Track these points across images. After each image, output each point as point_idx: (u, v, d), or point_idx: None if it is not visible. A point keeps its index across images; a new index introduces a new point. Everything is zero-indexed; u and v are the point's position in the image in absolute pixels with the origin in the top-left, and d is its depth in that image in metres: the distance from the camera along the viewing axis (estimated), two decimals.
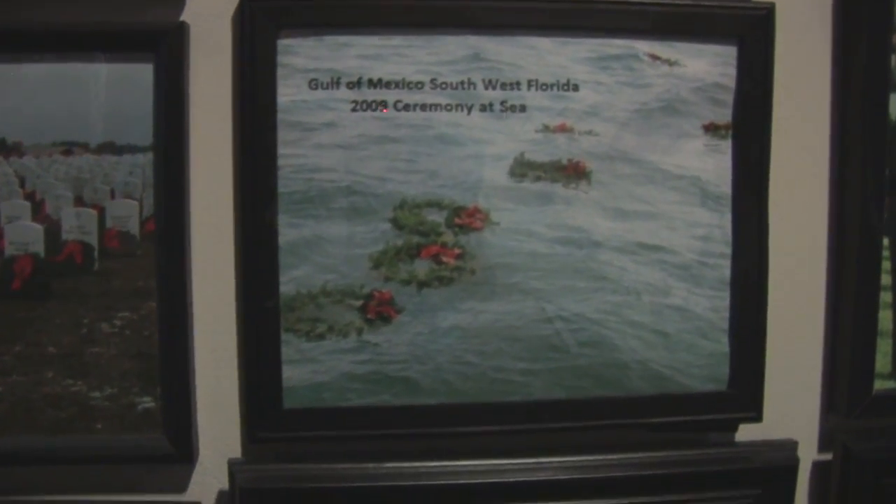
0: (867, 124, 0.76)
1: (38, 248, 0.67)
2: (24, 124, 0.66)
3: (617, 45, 0.70)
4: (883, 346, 0.78)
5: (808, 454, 0.80)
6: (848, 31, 0.76)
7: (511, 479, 0.71)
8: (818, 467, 0.80)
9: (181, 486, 0.71)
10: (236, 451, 0.71)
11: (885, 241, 0.78)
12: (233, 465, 0.69)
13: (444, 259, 0.70)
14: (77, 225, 0.67)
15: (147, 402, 0.69)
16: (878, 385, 0.79)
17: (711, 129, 0.73)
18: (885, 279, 0.78)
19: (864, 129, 0.76)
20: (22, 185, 0.66)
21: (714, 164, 0.73)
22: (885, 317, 0.78)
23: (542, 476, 0.71)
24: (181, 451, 0.69)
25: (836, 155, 0.78)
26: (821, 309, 0.79)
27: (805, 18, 0.76)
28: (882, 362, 0.79)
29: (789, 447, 0.76)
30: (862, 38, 0.75)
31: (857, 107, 0.76)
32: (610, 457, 0.72)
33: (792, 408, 0.78)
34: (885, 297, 0.78)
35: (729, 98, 0.73)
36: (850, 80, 0.77)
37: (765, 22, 0.72)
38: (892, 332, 0.79)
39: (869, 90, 0.76)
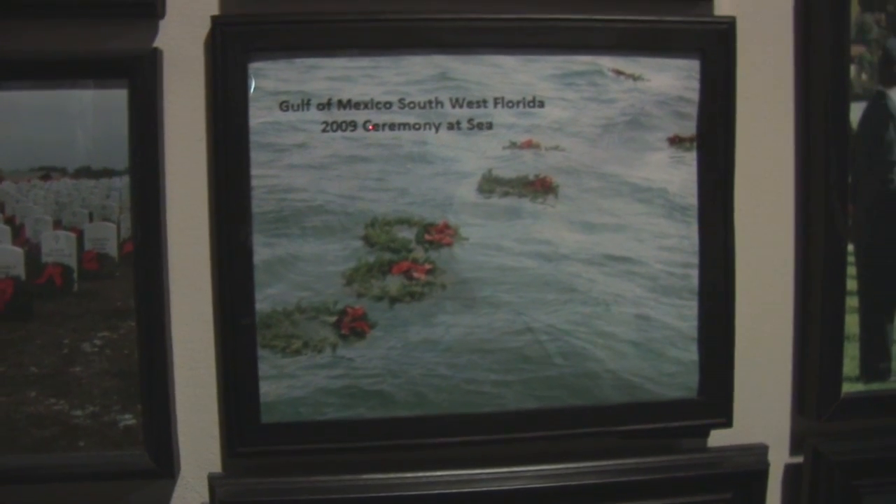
0: (829, 133, 0.79)
1: (19, 271, 0.70)
2: (2, 151, 0.68)
3: (581, 61, 0.73)
4: (850, 350, 0.81)
5: (780, 457, 0.83)
6: (808, 43, 0.79)
7: (486, 489, 0.73)
8: (790, 470, 0.83)
9: (163, 501, 0.74)
10: (216, 466, 0.74)
11: (851, 248, 0.81)
12: (213, 480, 0.72)
13: (416, 274, 0.72)
14: (56, 248, 0.70)
15: (128, 420, 0.71)
16: (847, 388, 0.82)
17: (676, 141, 0.76)
18: (851, 284, 0.81)
19: (826, 139, 0.79)
20: (1, 209, 0.69)
21: (679, 175, 0.76)
22: (851, 321, 0.81)
23: (516, 485, 0.74)
24: (162, 466, 0.71)
25: (800, 164, 0.81)
26: (789, 314, 0.82)
27: (767, 31, 0.79)
28: (850, 366, 0.82)
29: (759, 451, 0.79)
30: (822, 49, 0.78)
31: (819, 116, 0.79)
32: (583, 465, 0.75)
33: (762, 412, 0.81)
34: (852, 302, 0.81)
35: (693, 111, 0.75)
36: (811, 90, 0.80)
37: (726, 36, 0.75)
38: (858, 336, 0.82)
39: (830, 100, 0.79)
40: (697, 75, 0.75)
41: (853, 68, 0.80)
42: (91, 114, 0.69)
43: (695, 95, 0.75)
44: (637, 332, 0.75)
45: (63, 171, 0.69)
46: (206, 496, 0.73)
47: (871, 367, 0.82)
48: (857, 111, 0.80)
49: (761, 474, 0.78)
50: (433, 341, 0.73)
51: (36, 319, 0.70)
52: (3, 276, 0.70)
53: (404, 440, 0.73)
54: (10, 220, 0.69)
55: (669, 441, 0.78)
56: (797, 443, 0.83)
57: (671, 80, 0.75)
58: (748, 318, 0.79)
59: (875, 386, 0.82)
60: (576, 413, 0.75)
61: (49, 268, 0.70)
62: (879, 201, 0.81)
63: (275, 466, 0.73)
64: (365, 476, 0.73)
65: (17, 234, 0.69)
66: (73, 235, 0.70)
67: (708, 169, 0.76)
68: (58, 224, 0.70)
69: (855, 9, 0.79)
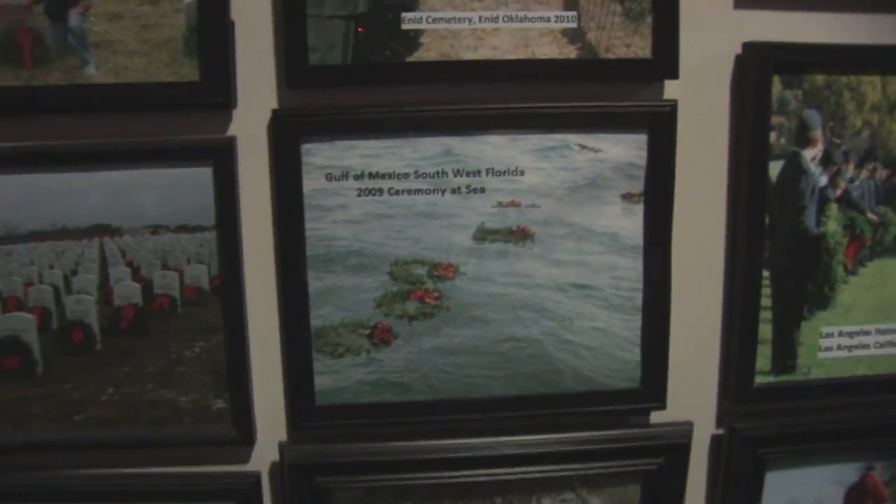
0: (752, 186, 1.04)
1: (138, 299, 0.99)
2: (123, 214, 0.97)
3: (553, 138, 0.99)
4: (763, 351, 1.09)
5: (707, 431, 1.12)
6: (738, 115, 1.04)
7: (479, 454, 1.04)
8: (714, 440, 1.13)
9: (245, 460, 1.05)
10: (283, 436, 1.05)
11: (766, 273, 1.07)
12: (281, 446, 1.03)
13: (427, 300, 1.01)
14: (164, 283, 0.99)
15: (219, 404, 1.02)
16: (760, 379, 1.10)
17: (627, 197, 1.02)
18: (766, 302, 1.08)
19: (749, 190, 1.05)
20: (123, 256, 0.98)
21: (629, 223, 1.02)
22: (765, 329, 1.09)
23: (502, 451, 1.05)
24: (244, 436, 1.03)
25: (729, 209, 1.07)
26: (717, 324, 1.10)
27: (706, 107, 1.03)
28: (763, 363, 1.10)
29: (686, 427, 1.08)
30: (748, 120, 1.03)
31: (744, 172, 1.05)
32: (550, 436, 1.05)
33: (693, 398, 1.10)
34: (766, 315, 1.08)
35: (641, 174, 1.01)
36: (739, 152, 1.05)
37: (669, 116, 1.00)
38: (771, 340, 1.09)
39: (753, 159, 1.04)
40: (645, 146, 1.01)
41: (774, 134, 1.04)
42: (187, 185, 0.97)
43: (643, 162, 1.01)
44: (593, 339, 1.04)
45: (167, 228, 0.98)
46: (276, 457, 1.04)
47: (780, 363, 1.11)
48: (776, 168, 1.05)
49: (686, 445, 1.08)
50: (440, 347, 1.02)
51: (152, 334, 1.00)
52: (126, 303, 0.99)
53: (419, 417, 1.04)
54: (129, 264, 0.98)
55: (619, 419, 1.08)
56: (720, 420, 1.12)
57: (624, 150, 1.00)
58: (682, 327, 1.07)
59: (783, 378, 1.11)
60: (546, 399, 1.04)
61: (160, 297, 0.99)
62: (791, 238, 1.07)
63: (326, 437, 1.04)
64: (391, 443, 1.04)
65: (136, 274, 0.99)
66: (175, 274, 0.99)
67: (651, 218, 1.02)
68: (164, 265, 0.98)
69: (777, 87, 1.03)
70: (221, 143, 0.96)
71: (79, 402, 1.02)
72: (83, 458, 1.04)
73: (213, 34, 0.94)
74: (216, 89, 0.94)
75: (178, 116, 0.96)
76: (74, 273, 0.99)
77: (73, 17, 0.94)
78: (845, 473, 1.17)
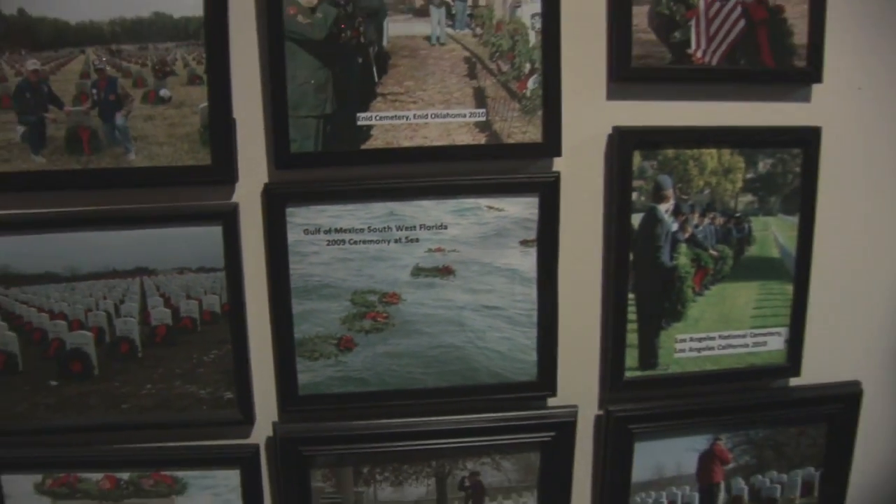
0: (619, 231, 1.43)
1: (169, 321, 1.38)
2: (157, 259, 1.35)
3: (469, 202, 1.38)
4: (631, 353, 1.49)
5: (591, 412, 1.52)
6: (609, 181, 1.42)
7: (418, 430, 1.44)
8: (596, 419, 1.52)
9: (247, 436, 1.45)
10: (276, 417, 1.45)
11: (632, 295, 1.46)
12: (275, 425, 1.43)
13: (379, 319, 1.40)
14: (188, 308, 1.38)
15: (228, 395, 1.42)
16: (629, 374, 1.50)
17: (524, 242, 1.41)
18: (633, 316, 1.47)
19: (618, 234, 1.43)
20: (158, 289, 1.37)
21: (526, 261, 1.41)
22: (632, 336, 1.48)
23: (435, 427, 1.44)
24: (247, 418, 1.42)
25: (605, 249, 1.45)
26: (597, 332, 1.49)
27: (584, 175, 1.42)
28: (631, 361, 1.49)
29: (573, 409, 1.48)
30: (615, 183, 1.42)
31: (614, 221, 1.43)
32: (470, 416, 1.45)
33: (580, 387, 1.50)
34: (633, 326, 1.48)
35: (534, 225, 1.40)
36: (611, 206, 1.43)
37: (554, 183, 1.38)
38: (637, 345, 1.49)
39: (619, 212, 1.42)
40: (537, 206, 1.39)
41: (635, 194, 1.43)
42: (203, 238, 1.35)
43: (535, 217, 1.40)
44: (501, 346, 1.43)
45: (190, 269, 1.36)
46: (270, 433, 1.44)
47: (645, 361, 1.50)
48: (637, 218, 1.44)
49: (572, 423, 1.48)
50: (389, 353, 1.42)
51: (179, 345, 1.39)
52: (160, 323, 1.38)
53: (374, 403, 1.43)
54: (162, 295, 1.37)
55: (521, 404, 1.47)
56: (600, 405, 1.52)
57: (521, 209, 1.39)
58: (568, 336, 1.46)
59: (647, 372, 1.50)
60: (467, 389, 1.44)
61: (185, 319, 1.38)
62: (651, 269, 1.46)
63: (307, 418, 1.43)
64: (354, 422, 1.43)
65: (167, 302, 1.37)
66: (196, 302, 1.38)
67: (542, 257, 1.41)
68: (188, 296, 1.37)
69: (638, 159, 1.42)
70: (227, 208, 1.35)
71: (125, 395, 1.41)
72: (128, 437, 1.43)
73: (220, 130, 1.32)
74: (223, 169, 1.33)
75: (196, 189, 1.34)
76: (122, 302, 1.38)
77: (119, 119, 1.31)
78: (698, 443, 1.57)
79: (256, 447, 1.44)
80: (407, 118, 1.34)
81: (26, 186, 1.32)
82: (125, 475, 1.44)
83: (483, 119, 1.35)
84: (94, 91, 1.30)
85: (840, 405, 1.59)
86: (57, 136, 1.30)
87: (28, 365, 1.39)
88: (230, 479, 1.45)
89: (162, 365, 1.40)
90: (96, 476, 1.44)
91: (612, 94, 1.41)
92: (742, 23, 1.41)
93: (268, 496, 1.48)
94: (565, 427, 1.48)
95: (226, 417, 1.42)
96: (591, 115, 1.41)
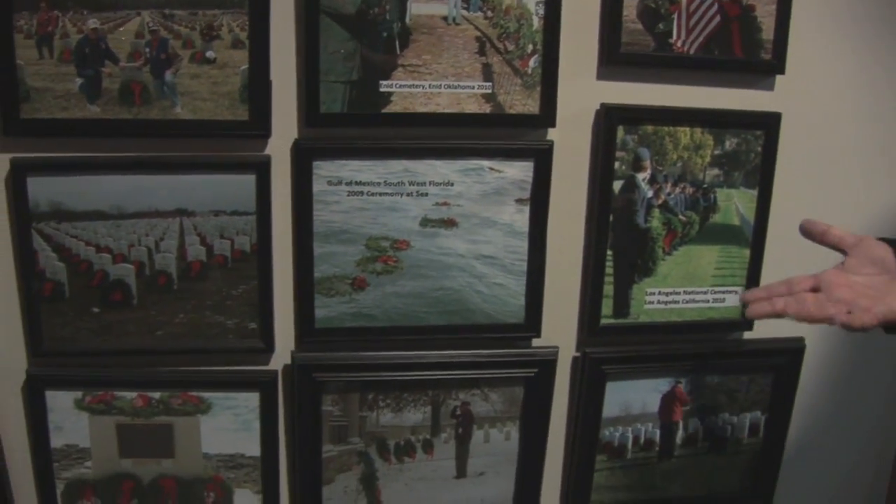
0: (602, 196, 1.67)
1: (203, 257, 1.59)
2: (196, 202, 1.56)
3: (473, 163, 1.61)
4: (607, 303, 1.74)
5: (569, 353, 1.77)
6: (596, 150, 1.66)
7: (418, 361, 1.68)
8: (574, 360, 1.78)
9: (267, 363, 1.68)
10: (293, 347, 1.67)
11: (610, 252, 1.71)
12: (292, 353, 1.66)
13: (389, 262, 1.63)
14: (221, 247, 1.59)
15: (253, 325, 1.64)
16: (604, 321, 1.74)
17: (519, 201, 1.64)
18: (609, 269, 1.72)
19: (600, 198, 1.67)
20: (195, 229, 1.58)
21: (520, 217, 1.65)
22: (608, 288, 1.73)
23: (433, 360, 1.69)
24: (268, 346, 1.65)
25: (588, 210, 1.70)
26: (577, 282, 1.74)
27: (574, 145, 1.65)
28: (606, 310, 1.74)
29: (554, 349, 1.73)
30: (601, 154, 1.65)
31: (598, 187, 1.67)
32: (464, 352, 1.69)
33: (562, 331, 1.75)
34: (609, 279, 1.72)
35: (528, 186, 1.64)
36: (595, 174, 1.67)
37: (549, 150, 1.62)
38: (612, 295, 1.73)
39: (602, 179, 1.66)
40: (532, 170, 1.62)
41: (617, 163, 1.67)
42: (238, 185, 1.56)
43: (530, 178, 1.63)
44: (494, 291, 1.67)
45: (224, 212, 1.57)
46: (288, 361, 1.66)
47: (619, 311, 1.75)
48: (618, 184, 1.68)
49: (553, 361, 1.72)
50: (396, 293, 1.65)
51: (209, 280, 1.61)
52: (195, 259, 1.60)
53: (382, 337, 1.67)
54: (199, 234, 1.58)
55: (509, 343, 1.72)
56: (578, 347, 1.77)
57: (518, 172, 1.63)
58: (553, 285, 1.70)
59: (620, 320, 1.75)
60: (463, 328, 1.68)
61: (217, 256, 1.60)
62: (627, 230, 1.71)
63: (321, 348, 1.66)
64: (363, 353, 1.67)
65: (202, 241, 1.59)
66: (228, 241, 1.59)
67: (534, 215, 1.65)
68: (222, 236, 1.58)
69: (620, 133, 1.65)
70: (261, 159, 1.56)
71: (160, 322, 1.62)
72: (161, 360, 1.64)
73: (258, 90, 1.52)
74: (258, 125, 1.54)
75: (234, 141, 1.55)
76: (162, 239, 1.58)
77: (168, 75, 1.51)
78: (661, 385, 1.83)
79: (275, 373, 1.67)
80: (423, 87, 1.56)
81: (81, 132, 1.51)
82: (156, 394, 1.66)
83: (489, 91, 1.58)
84: (147, 50, 1.49)
85: (786, 358, 1.86)
86: (111, 88, 1.50)
87: (74, 293, 1.59)
88: (250, 400, 1.67)
89: (195, 297, 1.62)
90: (130, 395, 1.65)
91: (602, 75, 1.64)
92: (718, 18, 1.65)
93: (282, 417, 1.71)
94: (547, 365, 1.73)
95: (249, 346, 1.65)
96: (583, 92, 1.64)
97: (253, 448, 1.71)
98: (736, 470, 1.92)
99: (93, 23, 1.47)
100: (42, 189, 1.53)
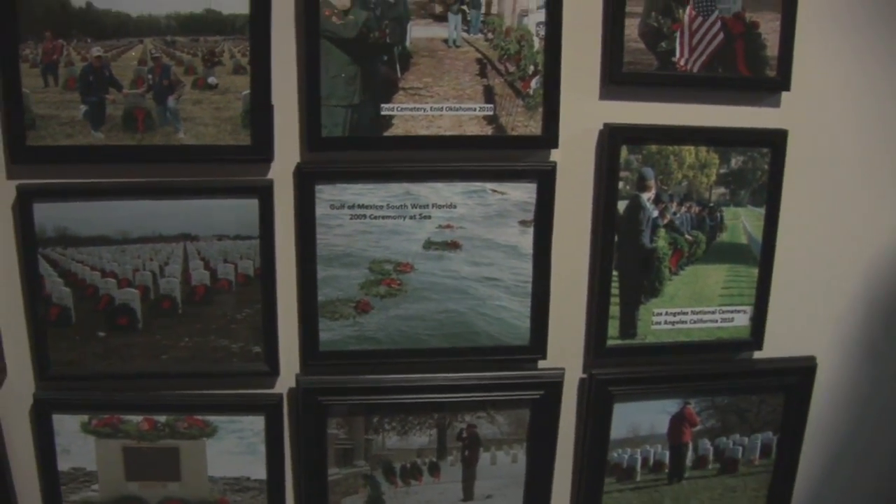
0: (606, 216, 1.67)
1: (207, 282, 1.61)
2: (199, 227, 1.58)
3: (476, 185, 1.62)
4: (613, 324, 1.74)
5: (576, 375, 1.77)
6: (599, 171, 1.66)
7: (423, 384, 1.69)
8: (580, 381, 1.78)
9: (272, 386, 1.69)
10: (298, 370, 1.68)
11: (616, 273, 1.71)
12: (297, 377, 1.67)
13: (393, 286, 1.64)
14: (224, 271, 1.61)
15: (257, 349, 1.65)
16: (610, 342, 1.75)
17: (523, 222, 1.65)
18: (615, 290, 1.72)
19: (605, 219, 1.67)
20: (199, 254, 1.60)
21: (524, 239, 1.65)
22: (614, 309, 1.73)
23: (439, 383, 1.69)
24: (273, 370, 1.66)
25: (593, 231, 1.70)
26: (583, 304, 1.74)
27: (577, 166, 1.66)
28: (613, 331, 1.74)
29: (560, 371, 1.73)
30: (604, 173, 1.66)
31: (603, 208, 1.67)
32: (470, 374, 1.70)
33: (568, 352, 1.75)
34: (616, 300, 1.72)
35: (532, 208, 1.64)
36: (600, 194, 1.68)
37: (552, 171, 1.62)
38: (619, 316, 1.73)
39: (608, 199, 1.67)
40: (535, 191, 1.63)
41: (621, 183, 1.67)
42: (241, 210, 1.58)
43: (533, 200, 1.64)
44: (499, 313, 1.68)
45: (227, 236, 1.59)
46: (293, 384, 1.67)
47: (625, 332, 1.75)
48: (623, 205, 1.68)
49: (559, 383, 1.73)
50: (400, 315, 1.66)
51: (215, 304, 1.62)
52: (200, 283, 1.61)
53: (386, 360, 1.67)
54: (203, 259, 1.60)
55: (515, 365, 1.72)
56: (585, 369, 1.77)
57: (521, 193, 1.63)
58: (559, 306, 1.71)
59: (627, 341, 1.75)
60: (468, 350, 1.69)
61: (222, 280, 1.61)
62: (633, 250, 1.71)
63: (326, 371, 1.67)
64: (367, 376, 1.68)
65: (206, 265, 1.60)
66: (232, 266, 1.61)
67: (538, 236, 1.65)
68: (225, 260, 1.60)
69: (624, 153, 1.66)
70: (264, 184, 1.58)
71: (166, 347, 1.64)
72: (166, 384, 1.66)
73: (260, 115, 1.54)
74: (261, 149, 1.56)
75: (237, 166, 1.57)
76: (166, 264, 1.61)
77: (171, 101, 1.54)
78: (669, 406, 1.82)
79: (280, 396, 1.68)
80: (424, 110, 1.57)
81: (86, 159, 1.54)
82: (162, 418, 1.68)
83: (491, 113, 1.59)
84: (150, 76, 1.52)
85: (797, 377, 1.85)
86: (115, 115, 1.53)
87: (80, 317, 1.62)
88: (255, 424, 1.69)
89: (199, 321, 1.63)
90: (136, 418, 1.67)
91: (605, 95, 1.65)
92: (721, 36, 1.65)
93: (288, 440, 1.72)
94: (553, 387, 1.73)
95: (254, 369, 1.66)
96: (586, 112, 1.64)
97: (259, 471, 1.72)
98: (748, 492, 1.90)
99: (97, 51, 1.50)
100: (48, 215, 1.56)
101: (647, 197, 1.69)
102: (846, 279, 1.85)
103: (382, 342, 1.67)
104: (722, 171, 1.71)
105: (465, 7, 1.54)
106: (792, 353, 1.84)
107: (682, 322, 1.77)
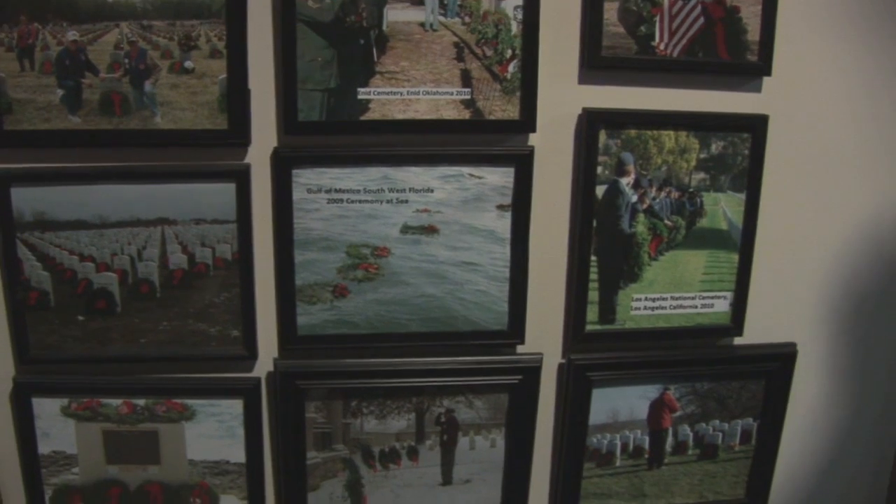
0: (585, 200, 1.68)
1: (185, 265, 1.62)
2: (177, 210, 1.59)
3: (453, 170, 1.62)
4: (592, 309, 1.75)
5: (555, 360, 1.78)
6: (578, 154, 1.67)
7: (401, 369, 1.70)
8: (559, 366, 1.79)
9: (250, 370, 1.70)
10: (276, 354, 1.70)
11: (595, 258, 1.72)
12: (275, 360, 1.68)
13: (370, 270, 1.65)
14: (202, 255, 1.62)
15: (236, 333, 1.67)
16: (589, 327, 1.76)
17: (501, 207, 1.66)
18: (594, 275, 1.73)
19: (583, 203, 1.68)
20: (176, 238, 1.61)
21: (501, 224, 1.66)
22: (593, 294, 1.74)
23: (417, 367, 1.70)
24: (251, 354, 1.67)
25: (572, 216, 1.70)
26: (562, 289, 1.75)
27: (555, 150, 1.66)
28: (592, 316, 1.75)
29: (538, 356, 1.74)
30: (584, 157, 1.66)
31: (581, 192, 1.68)
32: (448, 359, 1.71)
33: (546, 337, 1.76)
34: (594, 285, 1.73)
35: (509, 192, 1.65)
36: (578, 179, 1.68)
37: (529, 156, 1.63)
38: (598, 300, 1.74)
39: (585, 184, 1.67)
40: (513, 175, 1.64)
41: (600, 168, 1.68)
42: (219, 194, 1.59)
43: (510, 185, 1.64)
44: (477, 298, 1.69)
45: (205, 220, 1.60)
46: (271, 368, 1.69)
47: (604, 317, 1.76)
48: (601, 189, 1.69)
49: (538, 368, 1.74)
50: (378, 300, 1.67)
51: (193, 288, 1.64)
52: (177, 267, 1.63)
53: (363, 344, 1.69)
54: (180, 243, 1.61)
55: (493, 350, 1.73)
56: (563, 354, 1.78)
57: (499, 178, 1.64)
58: (537, 291, 1.72)
59: (606, 327, 1.76)
60: (446, 335, 1.70)
61: (199, 264, 1.63)
62: (612, 235, 1.72)
63: (303, 355, 1.69)
64: (344, 360, 1.69)
65: (184, 249, 1.62)
66: (210, 250, 1.62)
67: (516, 221, 1.66)
68: (203, 244, 1.61)
69: (603, 137, 1.66)
70: (241, 168, 1.59)
71: (144, 330, 1.66)
72: (145, 368, 1.68)
73: (236, 99, 1.55)
74: (238, 133, 1.56)
75: (214, 150, 1.58)
76: (144, 248, 1.62)
77: (147, 86, 1.54)
78: (649, 392, 1.83)
79: (258, 380, 1.70)
80: (401, 94, 1.57)
81: (63, 143, 1.55)
82: (141, 401, 1.69)
83: (468, 97, 1.59)
84: (127, 60, 1.52)
85: (777, 363, 1.86)
86: (92, 99, 1.53)
87: (59, 301, 1.63)
88: (234, 407, 1.70)
89: (177, 305, 1.65)
90: (115, 401, 1.69)
91: (583, 80, 1.65)
92: (701, 20, 1.65)
93: (266, 424, 1.73)
94: (531, 372, 1.74)
95: (232, 353, 1.67)
96: (564, 97, 1.65)
97: (238, 455, 1.74)
98: (728, 478, 1.91)
99: (72, 35, 1.51)
100: (26, 199, 1.57)
101: (626, 182, 1.70)
102: (827, 265, 1.86)
103: (360, 326, 1.68)
104: (702, 156, 1.71)
105: None
106: (772, 339, 1.85)
107: (662, 308, 1.78)
